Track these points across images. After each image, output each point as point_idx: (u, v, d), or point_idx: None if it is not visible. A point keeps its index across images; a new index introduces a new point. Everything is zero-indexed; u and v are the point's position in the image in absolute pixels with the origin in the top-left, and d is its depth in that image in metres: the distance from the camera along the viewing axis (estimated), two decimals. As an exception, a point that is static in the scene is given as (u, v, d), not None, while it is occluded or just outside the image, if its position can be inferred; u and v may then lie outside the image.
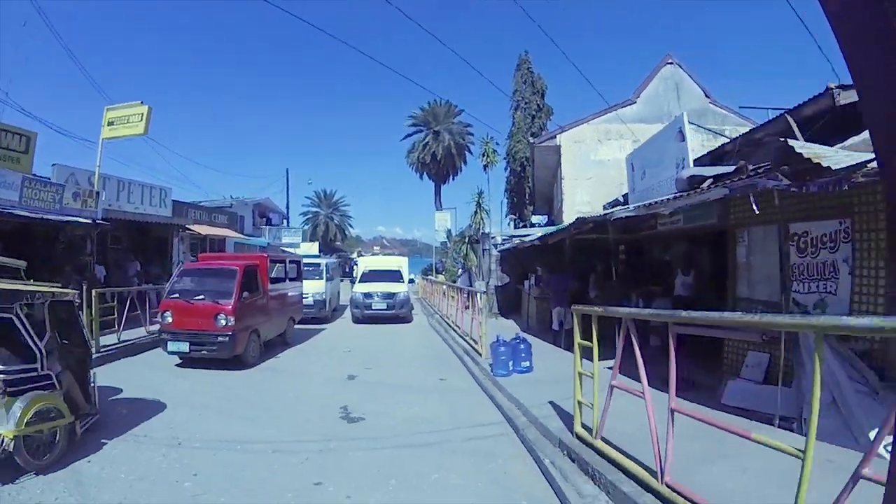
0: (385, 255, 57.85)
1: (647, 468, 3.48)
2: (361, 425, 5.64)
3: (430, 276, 29.07)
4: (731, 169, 6.23)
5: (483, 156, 27.09)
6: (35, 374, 4.48)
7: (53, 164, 12.22)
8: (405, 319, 16.09)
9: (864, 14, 0.81)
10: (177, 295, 8.66)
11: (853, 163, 3.76)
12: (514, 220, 33.68)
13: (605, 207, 14.69)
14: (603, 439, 4.10)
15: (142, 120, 12.19)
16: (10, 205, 9.47)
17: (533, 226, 30.97)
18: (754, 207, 4.80)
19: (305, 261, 14.50)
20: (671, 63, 19.03)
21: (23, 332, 4.42)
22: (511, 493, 3.91)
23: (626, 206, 8.59)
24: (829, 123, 6.25)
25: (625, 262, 12.32)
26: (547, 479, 4.04)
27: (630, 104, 18.75)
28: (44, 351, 4.57)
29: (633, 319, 3.85)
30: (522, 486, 4.01)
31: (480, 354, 8.95)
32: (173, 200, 17.23)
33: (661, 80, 18.99)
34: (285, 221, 31.30)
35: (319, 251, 30.91)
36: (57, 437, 4.44)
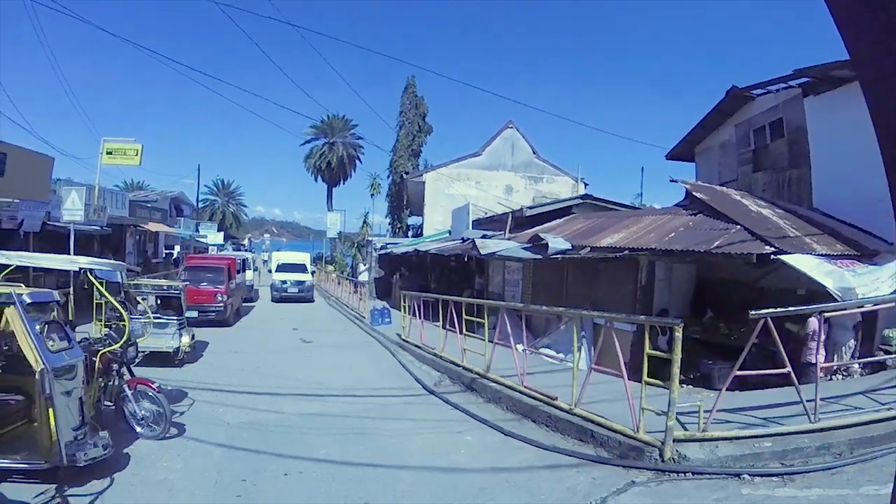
0: (273, 240, 62.37)
1: (423, 345, 11.24)
2: (312, 344, 12.82)
3: (321, 268, 35.33)
4: (479, 234, 14.45)
5: (370, 187, 34.02)
6: (182, 320, 10.88)
7: (58, 180, 16.88)
8: (311, 300, 22.88)
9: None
10: (187, 282, 14.72)
11: (489, 251, 11.86)
12: (393, 222, 40.75)
13: (451, 226, 22.96)
14: (408, 340, 11.83)
15: (137, 154, 17.40)
16: (57, 220, 14.55)
17: (409, 227, 38.65)
18: (471, 263, 12.91)
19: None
20: (511, 127, 27.58)
21: (181, 301, 10.83)
22: (379, 359, 11.42)
23: (439, 242, 16.70)
24: (523, 222, 14.85)
25: (452, 268, 20.53)
26: (391, 353, 11.68)
27: (477, 155, 27.10)
28: (184, 311, 11.00)
29: (421, 298, 11.64)
30: (381, 357, 11.58)
31: (364, 318, 16.39)
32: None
33: (503, 139, 27.41)
34: (195, 213, 35.35)
35: (224, 240, 35.49)
36: (190, 348, 10.90)
